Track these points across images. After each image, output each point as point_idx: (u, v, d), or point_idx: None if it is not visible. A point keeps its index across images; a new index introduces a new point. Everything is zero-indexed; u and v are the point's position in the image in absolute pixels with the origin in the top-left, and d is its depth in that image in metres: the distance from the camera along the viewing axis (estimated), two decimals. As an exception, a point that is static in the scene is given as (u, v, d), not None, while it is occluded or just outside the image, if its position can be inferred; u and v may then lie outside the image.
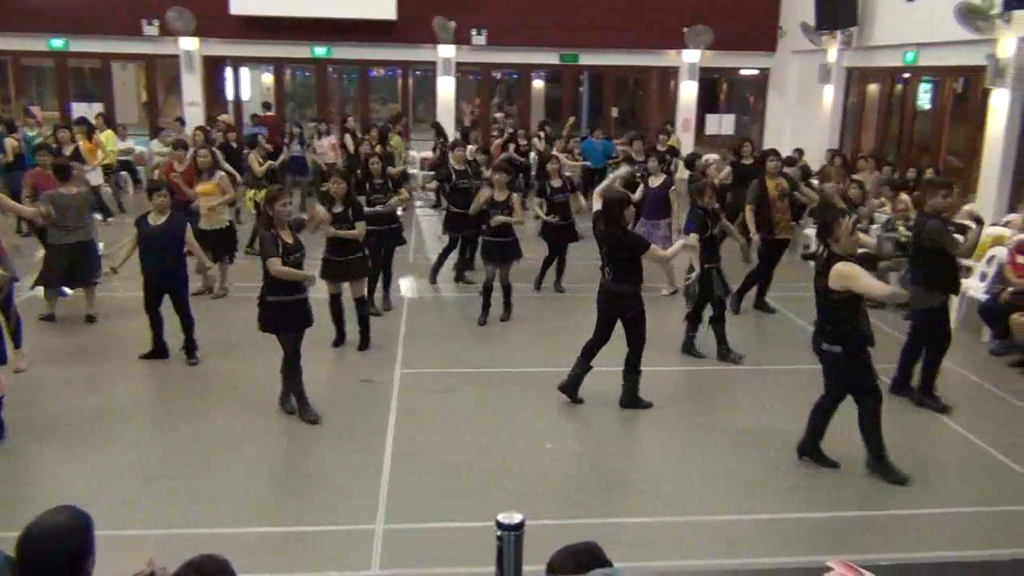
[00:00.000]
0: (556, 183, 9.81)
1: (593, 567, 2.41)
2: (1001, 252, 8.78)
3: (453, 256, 10.34)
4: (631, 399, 6.62)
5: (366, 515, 5.00)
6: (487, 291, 8.73)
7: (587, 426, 6.43)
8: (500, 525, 2.52)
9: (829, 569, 2.12)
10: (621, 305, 6.45)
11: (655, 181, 9.94)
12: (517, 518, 2.51)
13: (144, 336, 7.49)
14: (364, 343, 7.93)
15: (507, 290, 8.79)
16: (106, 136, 14.13)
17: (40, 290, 8.45)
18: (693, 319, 7.89)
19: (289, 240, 6.15)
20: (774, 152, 9.74)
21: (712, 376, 7.56)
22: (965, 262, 9.71)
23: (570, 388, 6.68)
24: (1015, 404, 6.97)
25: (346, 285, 7.82)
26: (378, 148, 13.21)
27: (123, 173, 15.24)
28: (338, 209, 7.70)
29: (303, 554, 4.63)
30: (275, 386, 6.47)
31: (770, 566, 4.52)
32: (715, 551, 4.76)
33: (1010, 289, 8.06)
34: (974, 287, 8.91)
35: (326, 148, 14.56)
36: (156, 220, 7.22)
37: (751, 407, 6.81)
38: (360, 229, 7.66)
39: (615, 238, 6.36)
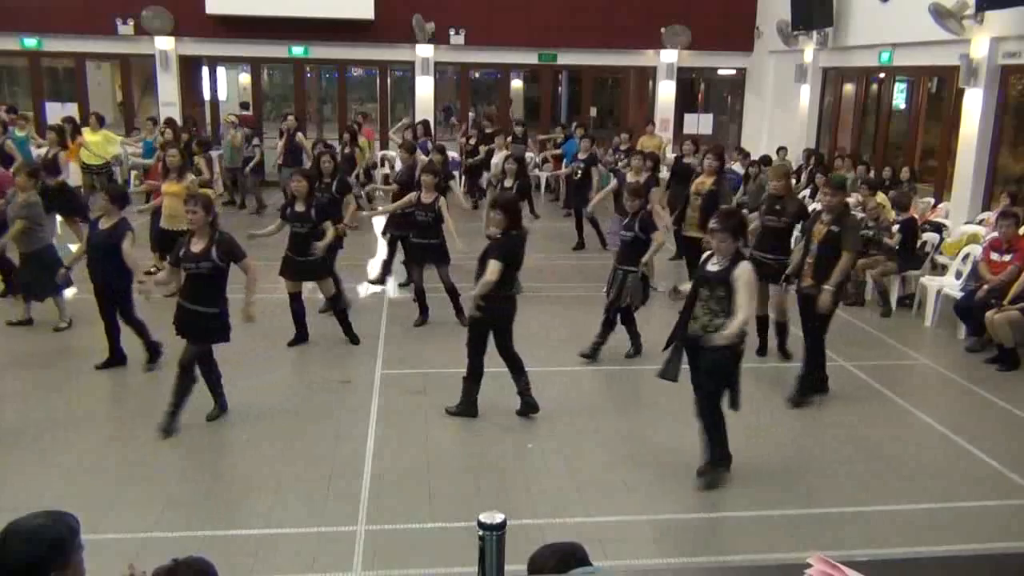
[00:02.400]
0: (507, 183, 9.85)
1: (574, 567, 2.41)
2: (976, 250, 8.88)
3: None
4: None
5: (347, 517, 4.98)
6: (419, 294, 8.66)
7: (567, 426, 6.43)
8: (482, 525, 2.50)
9: (809, 566, 2.12)
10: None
11: (635, 178, 9.98)
12: (499, 518, 2.49)
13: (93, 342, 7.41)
14: (352, 339, 7.95)
15: (450, 292, 8.58)
16: (103, 136, 13.94)
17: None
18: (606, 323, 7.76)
19: (195, 249, 5.94)
20: (696, 150, 9.81)
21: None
22: (940, 260, 9.86)
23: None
24: (990, 399, 7.05)
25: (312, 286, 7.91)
26: (346, 150, 13.18)
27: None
28: (300, 208, 7.69)
29: (284, 557, 4.60)
30: (248, 391, 6.41)
31: (750, 563, 4.54)
32: (695, 548, 4.78)
33: (985, 287, 8.15)
34: (949, 285, 9.01)
35: (281, 149, 14.48)
36: (104, 224, 7.02)
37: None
38: (329, 233, 7.68)
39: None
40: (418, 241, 8.56)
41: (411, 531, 4.86)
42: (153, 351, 7.32)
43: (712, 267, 5.32)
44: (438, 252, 8.55)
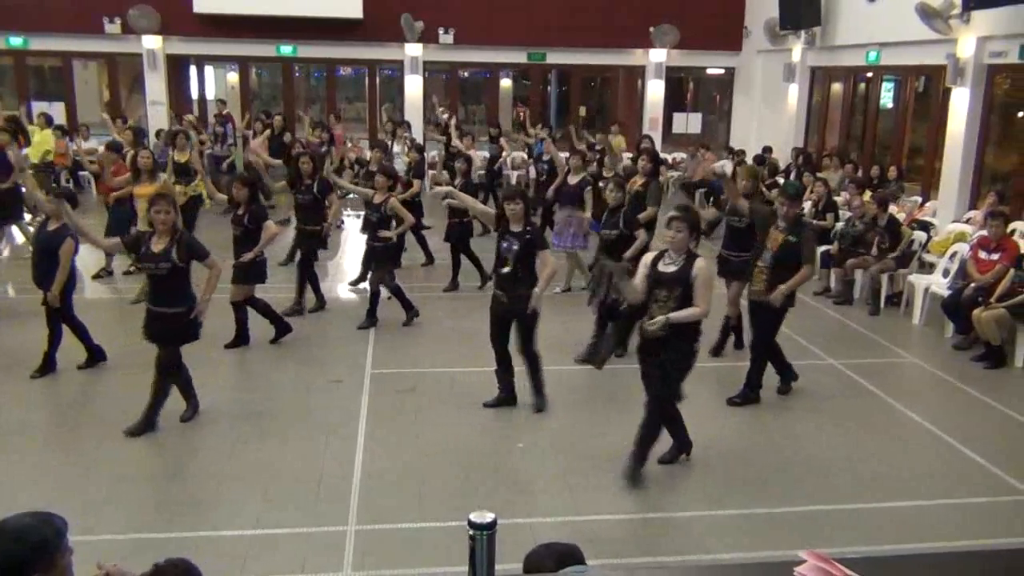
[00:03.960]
0: (457, 182, 9.88)
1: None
2: (963, 248, 8.93)
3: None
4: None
5: (337, 517, 4.96)
6: (396, 293, 8.60)
7: (558, 424, 6.43)
8: (472, 524, 2.50)
9: (802, 561, 2.12)
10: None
11: (572, 179, 9.98)
12: (489, 517, 2.48)
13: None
14: (240, 341, 7.87)
15: (394, 294, 8.56)
16: (41, 136, 13.82)
17: None
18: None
19: (155, 249, 5.87)
20: (647, 151, 9.83)
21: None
22: (928, 258, 9.90)
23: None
24: (978, 398, 7.09)
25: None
26: (323, 148, 13.12)
27: (83, 173, 14.99)
28: (239, 212, 7.70)
29: (274, 557, 4.58)
30: (236, 391, 6.38)
31: (743, 560, 4.55)
32: (686, 547, 4.78)
33: (972, 285, 8.19)
34: (937, 283, 9.05)
35: (256, 147, 14.43)
36: (51, 226, 6.91)
37: (716, 407, 6.86)
38: (265, 230, 7.60)
39: None
40: (370, 242, 8.58)
41: (402, 531, 4.85)
42: (96, 353, 7.24)
43: (667, 267, 5.25)
44: (387, 253, 8.55)
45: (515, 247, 6.19)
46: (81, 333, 7.17)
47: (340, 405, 6.61)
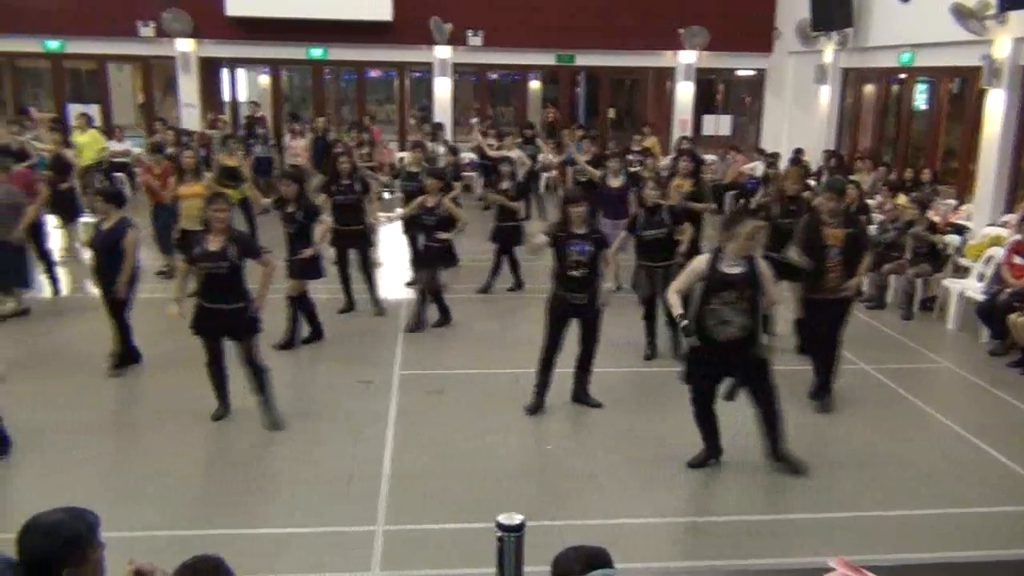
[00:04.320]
0: (504, 185, 9.89)
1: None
2: (999, 253, 8.79)
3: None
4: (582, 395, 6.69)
5: (366, 516, 4.99)
6: (437, 296, 8.62)
7: (586, 428, 6.42)
8: (500, 526, 2.51)
9: (831, 569, 2.11)
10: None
11: (615, 181, 9.95)
12: (518, 519, 2.50)
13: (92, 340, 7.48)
14: (309, 337, 8.02)
15: (435, 296, 8.58)
16: (89, 136, 14.05)
17: None
18: (647, 321, 7.86)
19: (212, 248, 5.97)
20: (689, 152, 9.81)
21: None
22: (962, 262, 9.76)
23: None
24: (1013, 403, 6.98)
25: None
26: (364, 149, 13.16)
27: (119, 174, 15.20)
28: (290, 209, 7.75)
29: (303, 556, 4.61)
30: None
31: (771, 566, 4.52)
32: (716, 551, 4.75)
33: (1008, 290, 8.07)
34: (972, 288, 8.92)
35: (298, 150, 14.52)
36: (105, 225, 7.02)
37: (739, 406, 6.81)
38: (320, 226, 7.77)
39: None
40: (425, 244, 8.56)
41: (429, 532, 4.87)
42: (133, 356, 7.33)
43: (732, 268, 5.27)
44: (442, 255, 8.55)
45: (588, 248, 6.28)
46: (126, 333, 7.27)
47: (369, 406, 6.64)
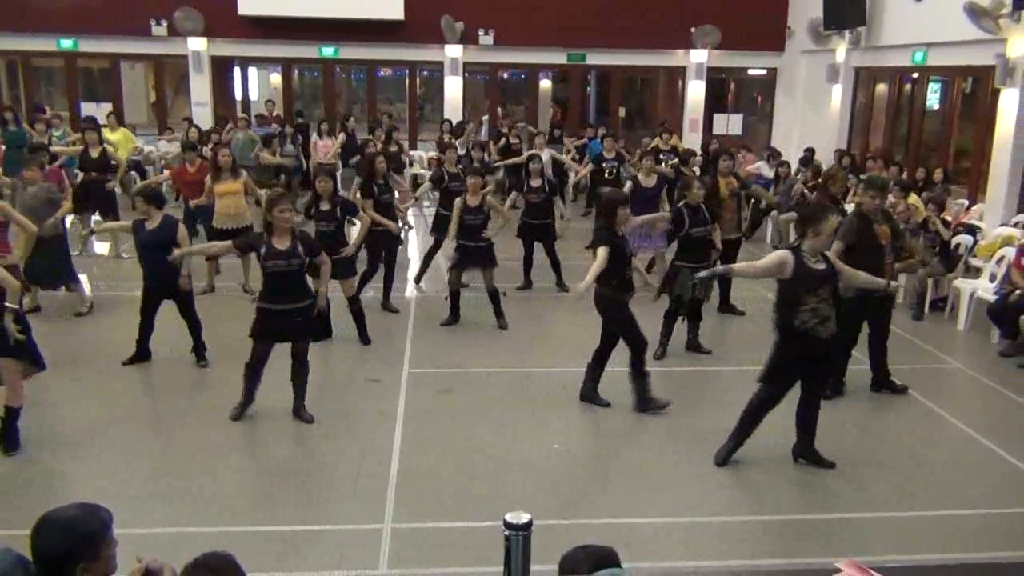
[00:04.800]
0: (535, 183, 9.88)
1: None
2: (1010, 253, 8.74)
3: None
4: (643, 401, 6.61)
5: (374, 514, 5.01)
6: (455, 296, 8.64)
7: (593, 426, 6.43)
8: (508, 525, 2.52)
9: (839, 570, 2.11)
10: (599, 306, 6.51)
11: (648, 181, 9.94)
12: (525, 518, 2.51)
13: (124, 338, 7.53)
14: (364, 339, 8.01)
15: (493, 296, 8.58)
16: (122, 135, 14.14)
17: None
18: (667, 320, 7.86)
19: (280, 247, 6.05)
20: (727, 152, 9.79)
21: (705, 377, 7.54)
22: (974, 262, 9.71)
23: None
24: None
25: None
26: (391, 148, 13.17)
27: (132, 173, 15.29)
28: (325, 207, 7.79)
29: (310, 553, 4.63)
30: (276, 389, 6.44)
31: (779, 567, 4.51)
32: (723, 551, 4.75)
33: (1018, 291, 8.03)
34: (983, 288, 8.88)
35: (327, 148, 14.55)
36: (150, 225, 7.11)
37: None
38: (361, 224, 7.88)
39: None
40: (468, 244, 8.50)
41: (437, 530, 4.88)
42: (202, 349, 7.44)
43: (818, 265, 5.36)
44: (487, 255, 8.55)
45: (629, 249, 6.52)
46: (197, 329, 7.39)
47: (378, 404, 6.66)
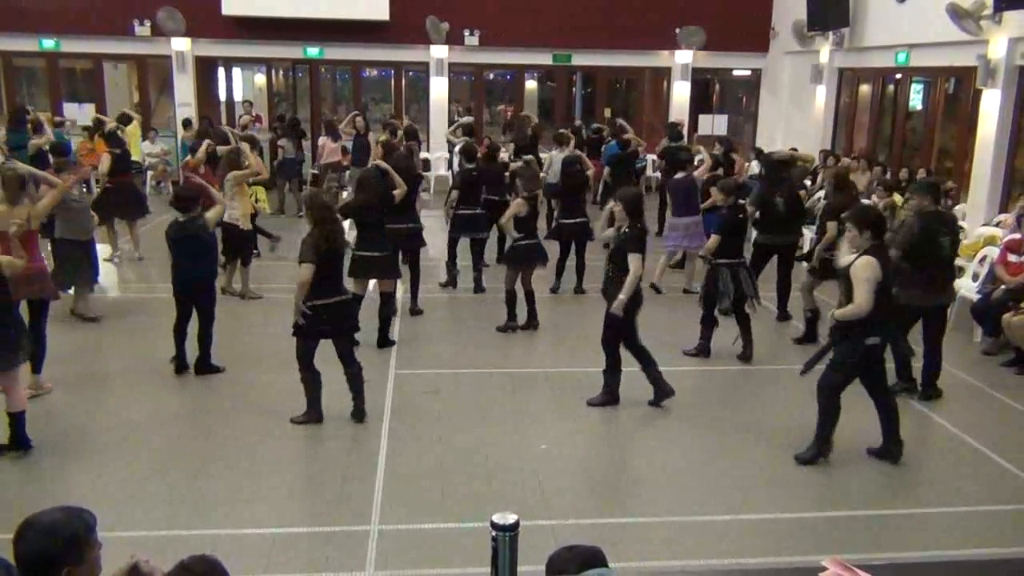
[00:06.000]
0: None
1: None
2: (993, 252, 8.81)
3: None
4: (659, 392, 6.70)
5: (360, 516, 4.99)
6: (512, 297, 8.52)
7: (580, 427, 6.43)
8: (495, 526, 2.51)
9: (824, 568, 2.11)
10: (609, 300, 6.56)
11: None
12: (511, 519, 2.50)
13: (138, 339, 7.47)
14: (384, 342, 7.97)
15: (530, 296, 8.55)
16: (133, 134, 14.09)
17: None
18: (706, 320, 7.90)
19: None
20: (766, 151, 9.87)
21: (707, 377, 7.57)
22: (957, 262, 9.78)
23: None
24: (1007, 403, 7.00)
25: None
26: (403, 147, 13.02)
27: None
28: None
29: (297, 555, 4.61)
30: (261, 390, 6.41)
31: (764, 566, 4.53)
32: (709, 551, 4.76)
33: (1002, 287, 8.09)
34: (967, 287, 8.94)
35: (333, 149, 14.50)
36: (182, 219, 7.03)
37: (747, 407, 6.82)
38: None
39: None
40: (528, 243, 8.42)
41: (424, 531, 4.87)
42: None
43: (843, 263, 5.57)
44: (541, 251, 8.59)
45: None
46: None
47: (365, 405, 6.63)
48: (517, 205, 8.34)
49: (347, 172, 14.12)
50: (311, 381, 6.23)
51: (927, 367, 6.99)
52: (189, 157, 10.93)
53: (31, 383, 6.48)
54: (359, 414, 6.29)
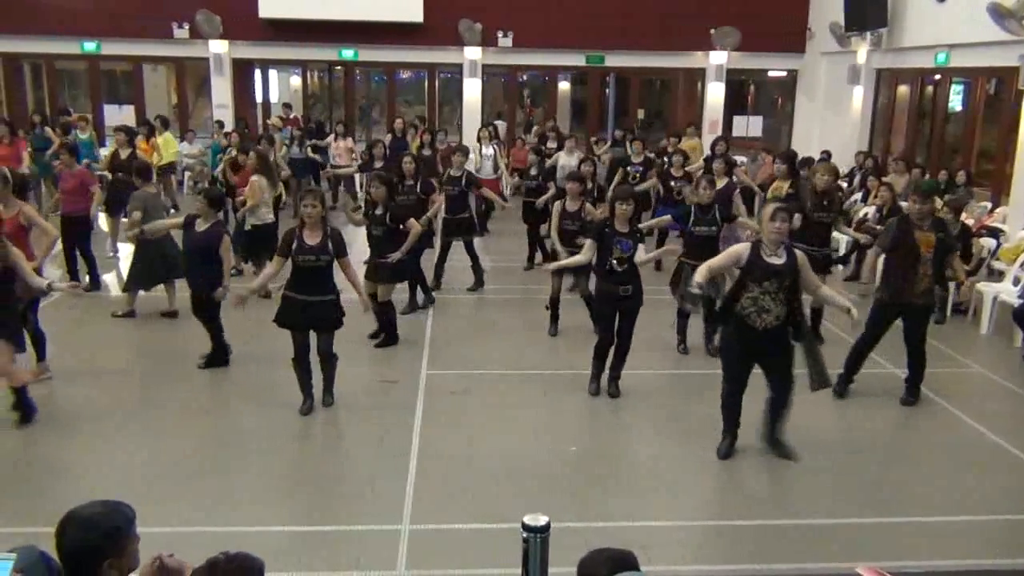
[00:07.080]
0: (455, 172, 9.93)
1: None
2: (1034, 256, 8.66)
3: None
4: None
5: (392, 515, 5.02)
6: (556, 303, 8.49)
7: (611, 429, 6.41)
8: (526, 527, 2.52)
9: (857, 575, 2.09)
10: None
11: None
12: (543, 520, 2.51)
13: (175, 335, 7.58)
14: (383, 343, 8.04)
15: (589, 300, 8.34)
16: (167, 139, 14.34)
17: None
18: (707, 320, 7.82)
19: (311, 242, 6.18)
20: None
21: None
22: (997, 266, 9.61)
23: None
24: (1048, 410, 6.87)
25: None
26: (425, 151, 13.01)
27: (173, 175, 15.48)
28: (379, 212, 7.86)
29: (328, 554, 4.65)
30: (294, 390, 6.45)
31: (797, 571, 4.49)
32: (740, 556, 4.73)
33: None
34: (1007, 291, 8.79)
35: (341, 150, 14.61)
36: (200, 227, 7.15)
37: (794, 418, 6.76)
38: (412, 231, 7.86)
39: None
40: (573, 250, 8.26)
41: (455, 531, 4.88)
42: (224, 354, 7.39)
43: (773, 259, 5.46)
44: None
45: (631, 244, 6.56)
46: (219, 332, 7.36)
47: (394, 405, 6.67)
48: (555, 214, 8.38)
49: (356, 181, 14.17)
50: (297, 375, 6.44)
51: (910, 371, 6.91)
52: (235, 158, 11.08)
53: (35, 370, 6.69)
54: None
